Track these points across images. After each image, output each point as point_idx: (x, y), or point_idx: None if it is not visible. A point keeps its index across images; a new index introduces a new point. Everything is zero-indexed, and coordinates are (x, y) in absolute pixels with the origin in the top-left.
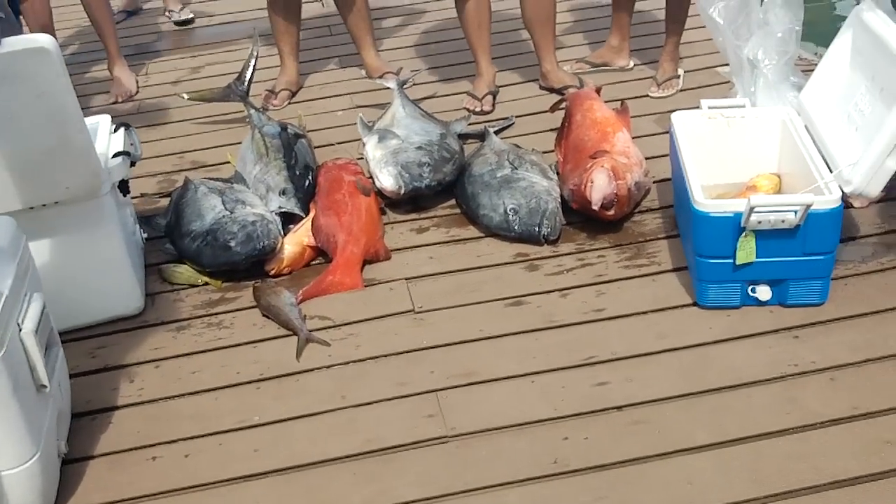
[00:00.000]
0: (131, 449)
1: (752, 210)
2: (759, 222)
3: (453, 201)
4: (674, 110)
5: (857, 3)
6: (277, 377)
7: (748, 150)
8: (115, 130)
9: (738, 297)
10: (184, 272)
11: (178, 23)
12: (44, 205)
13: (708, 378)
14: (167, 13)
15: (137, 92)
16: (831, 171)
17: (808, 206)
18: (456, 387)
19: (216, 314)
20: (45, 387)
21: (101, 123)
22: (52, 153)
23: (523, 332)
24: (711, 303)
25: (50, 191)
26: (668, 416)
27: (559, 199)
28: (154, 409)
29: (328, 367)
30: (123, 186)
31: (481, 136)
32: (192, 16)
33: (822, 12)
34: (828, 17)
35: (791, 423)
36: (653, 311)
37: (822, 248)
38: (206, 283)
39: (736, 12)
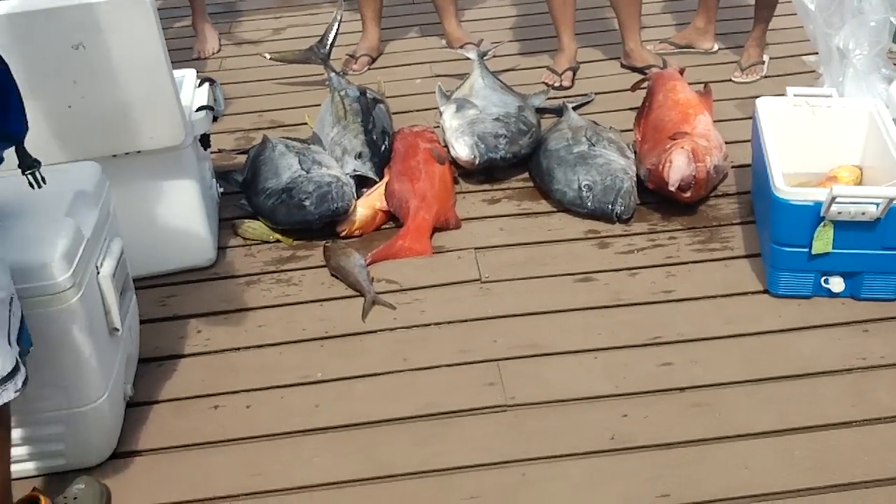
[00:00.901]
0: (195, 397)
1: (833, 200)
2: (840, 213)
3: (527, 174)
4: (757, 96)
5: None
6: (342, 336)
7: (832, 140)
8: (200, 85)
9: (810, 287)
10: (257, 228)
11: None
12: (127, 153)
13: (774, 366)
14: None
15: (220, 49)
16: None
17: (892, 200)
18: (518, 357)
19: (286, 271)
20: (117, 330)
21: (186, 77)
22: (140, 103)
23: (590, 309)
24: (783, 291)
25: (135, 139)
26: (731, 400)
27: (635, 179)
28: (219, 359)
29: (392, 329)
30: (205, 140)
31: (559, 112)
32: None
33: None
34: None
35: (857, 416)
36: (722, 296)
37: None
38: (278, 241)
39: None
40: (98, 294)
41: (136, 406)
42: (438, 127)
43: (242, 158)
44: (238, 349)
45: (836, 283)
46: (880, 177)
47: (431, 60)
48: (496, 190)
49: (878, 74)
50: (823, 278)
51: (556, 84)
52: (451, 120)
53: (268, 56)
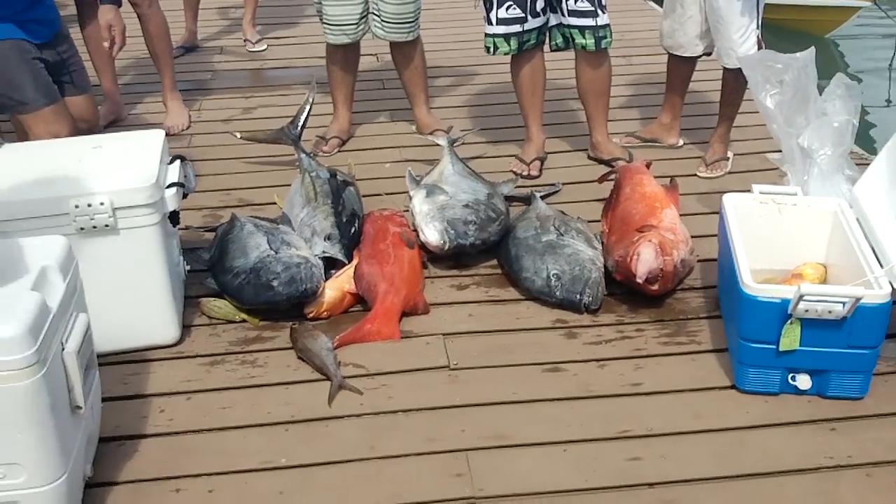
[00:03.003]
0: (155, 479)
1: (801, 298)
2: (807, 311)
3: (495, 261)
4: (721, 192)
5: None
6: (307, 421)
7: (797, 237)
8: (171, 162)
9: (777, 384)
10: (223, 307)
11: (252, 52)
12: (95, 227)
13: (742, 463)
14: (244, 41)
15: (189, 126)
16: (882, 266)
17: (858, 300)
18: (487, 448)
19: (251, 352)
20: (80, 408)
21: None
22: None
23: (558, 399)
24: (750, 387)
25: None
26: (700, 497)
27: (602, 270)
28: (181, 440)
29: (359, 415)
30: (174, 217)
31: (527, 200)
32: (266, 47)
33: (867, 111)
34: (871, 117)
35: None
36: (690, 391)
37: (867, 343)
38: (244, 321)
39: (790, 99)
40: (62, 371)
41: (95, 487)
42: (408, 211)
43: (210, 236)
44: (201, 431)
45: (804, 381)
46: (844, 275)
47: (401, 145)
48: (464, 276)
49: (841, 175)
50: (791, 375)
51: (525, 173)
52: (420, 205)
53: (238, 135)
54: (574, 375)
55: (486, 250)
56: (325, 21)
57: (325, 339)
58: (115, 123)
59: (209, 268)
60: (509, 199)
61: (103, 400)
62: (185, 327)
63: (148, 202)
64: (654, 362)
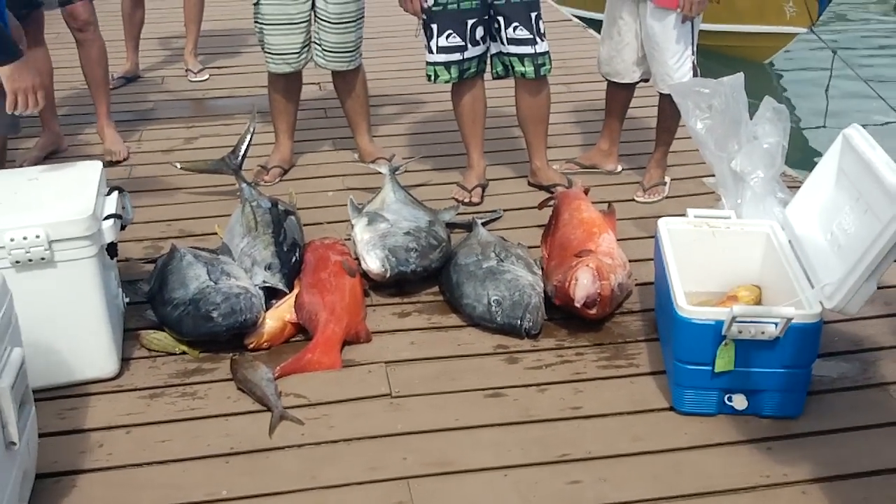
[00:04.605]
0: None
1: (733, 319)
2: (740, 332)
3: (437, 288)
4: (658, 216)
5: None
6: (248, 452)
7: (731, 260)
8: (109, 193)
9: (714, 405)
10: (162, 339)
11: (194, 82)
12: (31, 260)
13: (681, 484)
14: (186, 71)
15: (128, 157)
16: (812, 287)
17: (790, 320)
18: (428, 475)
19: (191, 384)
20: (14, 444)
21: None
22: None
23: (500, 425)
24: (688, 408)
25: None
26: None
27: (542, 294)
28: (121, 475)
29: (300, 445)
30: (112, 249)
31: (468, 227)
32: (207, 77)
33: (805, 135)
34: (809, 141)
35: None
36: (629, 413)
37: (800, 362)
38: (184, 353)
39: (720, 124)
40: None
41: None
42: (350, 240)
43: (150, 268)
44: (141, 465)
45: (740, 401)
46: (778, 296)
47: (343, 174)
48: (406, 303)
49: (773, 197)
50: (727, 396)
51: (466, 200)
52: (362, 233)
53: (178, 165)
54: (515, 400)
55: (428, 277)
56: (266, 50)
57: (266, 370)
58: (55, 154)
59: (148, 300)
60: (451, 225)
61: (41, 435)
62: (125, 360)
63: (85, 234)
64: (593, 386)
